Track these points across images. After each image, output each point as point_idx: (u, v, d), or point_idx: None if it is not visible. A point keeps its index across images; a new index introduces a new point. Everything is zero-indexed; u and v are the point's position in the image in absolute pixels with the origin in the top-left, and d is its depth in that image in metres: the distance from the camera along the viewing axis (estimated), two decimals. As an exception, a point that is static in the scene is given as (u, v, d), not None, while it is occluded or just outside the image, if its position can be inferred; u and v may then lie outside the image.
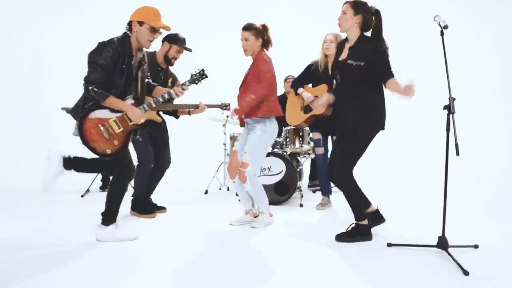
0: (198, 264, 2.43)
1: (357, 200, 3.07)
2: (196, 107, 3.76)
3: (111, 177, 3.02)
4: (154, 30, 2.85)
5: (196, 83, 3.12)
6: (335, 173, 3.05)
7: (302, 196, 4.53)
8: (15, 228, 3.26)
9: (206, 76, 3.13)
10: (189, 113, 3.94)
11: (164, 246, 2.83)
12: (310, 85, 4.33)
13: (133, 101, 2.84)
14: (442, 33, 2.77)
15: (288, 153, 4.63)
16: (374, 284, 2.12)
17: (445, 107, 2.67)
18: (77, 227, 3.31)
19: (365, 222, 3.05)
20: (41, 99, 7.03)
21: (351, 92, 3.02)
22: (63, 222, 3.51)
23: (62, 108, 4.56)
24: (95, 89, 2.67)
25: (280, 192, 4.42)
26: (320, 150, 4.29)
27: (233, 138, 5.14)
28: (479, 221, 3.84)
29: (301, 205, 4.38)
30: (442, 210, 2.70)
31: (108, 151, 2.76)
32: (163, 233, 3.17)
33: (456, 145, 2.49)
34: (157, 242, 2.91)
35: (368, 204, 3.25)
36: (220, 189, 5.48)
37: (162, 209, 3.98)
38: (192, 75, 3.12)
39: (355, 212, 3.06)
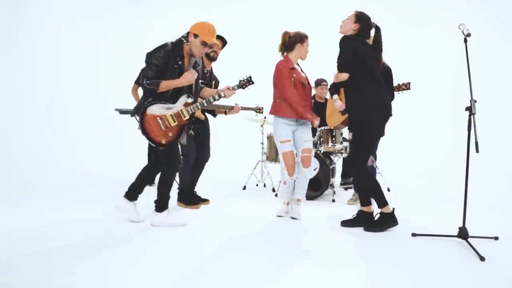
0: (241, 248, 2.79)
1: (374, 188, 3.33)
2: (232, 108, 4.15)
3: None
4: (205, 44, 3.22)
5: (244, 88, 3.49)
6: (353, 166, 3.37)
7: (334, 192, 4.81)
8: (79, 215, 3.72)
9: (253, 83, 3.48)
10: (225, 113, 4.33)
11: (209, 232, 3.19)
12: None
13: (188, 100, 3.24)
14: (465, 40, 3.01)
15: (322, 152, 4.91)
16: (399, 268, 2.40)
17: (467, 109, 2.91)
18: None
19: (387, 209, 3.30)
20: (95, 101, 7.62)
21: (347, 87, 3.38)
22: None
23: (116, 109, 5.04)
24: (148, 81, 3.07)
25: (314, 188, 4.71)
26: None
27: (270, 138, 5.47)
28: (500, 214, 4.02)
29: (333, 201, 4.66)
30: (463, 203, 2.93)
31: (163, 141, 3.17)
32: (208, 222, 3.54)
33: (476, 143, 2.73)
34: (203, 229, 3.28)
35: (369, 204, 3.47)
36: (257, 185, 5.82)
37: (205, 201, 4.36)
38: (240, 81, 3.48)
39: (376, 200, 3.31)
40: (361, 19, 3.33)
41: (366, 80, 3.27)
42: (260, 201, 4.69)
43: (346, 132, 4.83)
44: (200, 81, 3.50)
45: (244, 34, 7.58)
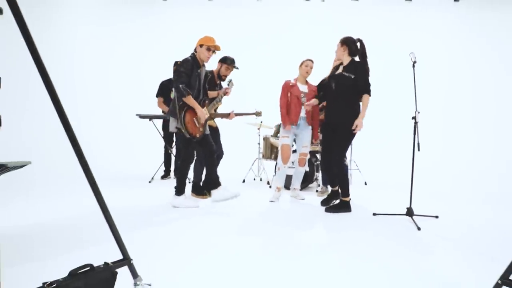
0: (242, 227, 3.73)
1: (345, 181, 4.28)
2: (228, 115, 5.06)
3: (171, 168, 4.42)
4: (209, 49, 4.21)
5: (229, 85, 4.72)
6: (334, 161, 4.26)
7: (318, 185, 5.75)
8: (114, 204, 4.64)
9: (233, 84, 4.79)
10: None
11: (218, 215, 4.13)
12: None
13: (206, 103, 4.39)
14: (413, 66, 3.97)
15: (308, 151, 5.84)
16: (364, 236, 3.35)
17: (413, 118, 3.87)
18: (154, 202, 4.67)
19: (347, 198, 4.26)
20: (116, 106, 8.54)
21: (343, 97, 4.23)
22: (143, 198, 4.88)
23: (136, 115, 5.95)
24: (184, 86, 4.05)
25: (302, 181, 5.65)
26: None
27: (265, 139, 6.40)
28: (440, 199, 5.02)
29: (317, 191, 5.60)
30: (410, 189, 3.89)
31: (198, 135, 4.21)
32: (216, 207, 4.47)
33: (418, 144, 3.70)
34: (211, 213, 4.21)
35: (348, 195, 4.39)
36: (254, 179, 6.75)
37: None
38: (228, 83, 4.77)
39: (342, 189, 4.27)
40: (346, 41, 4.28)
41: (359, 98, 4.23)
42: (257, 191, 5.61)
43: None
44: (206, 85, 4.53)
45: (244, 47, 8.51)
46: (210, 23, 8.89)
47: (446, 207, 4.55)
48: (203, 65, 4.35)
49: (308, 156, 5.06)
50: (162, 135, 6.40)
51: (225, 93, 4.67)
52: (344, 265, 2.47)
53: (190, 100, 4.14)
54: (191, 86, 4.17)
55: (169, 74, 6.43)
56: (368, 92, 4.15)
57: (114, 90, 8.69)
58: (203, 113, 4.23)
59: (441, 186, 6.28)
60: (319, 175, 5.85)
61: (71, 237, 2.99)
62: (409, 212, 3.87)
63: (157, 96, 6.28)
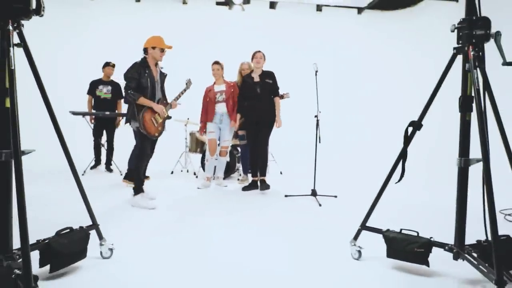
0: (177, 206, 4.36)
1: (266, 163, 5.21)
2: (171, 106, 4.97)
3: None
4: (163, 50, 4.29)
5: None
6: (262, 149, 5.12)
7: (240, 174, 6.50)
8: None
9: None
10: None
11: (159, 198, 4.70)
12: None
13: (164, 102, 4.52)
14: (316, 74, 4.87)
15: (230, 144, 6.56)
16: (277, 213, 4.15)
17: (315, 116, 4.78)
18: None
19: (256, 179, 5.25)
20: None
21: (268, 100, 5.16)
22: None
23: (70, 111, 6.23)
24: (132, 92, 4.07)
25: (225, 171, 6.36)
26: (243, 142, 6.21)
27: (191, 134, 7.00)
28: (340, 182, 6.07)
29: (238, 179, 6.34)
30: (313, 174, 4.79)
31: (156, 134, 4.35)
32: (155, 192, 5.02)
33: (319, 137, 4.60)
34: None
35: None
36: (181, 171, 7.31)
37: (147, 177, 5.81)
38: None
39: (261, 171, 5.20)
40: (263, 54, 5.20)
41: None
42: (185, 181, 6.21)
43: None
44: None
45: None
46: (135, 26, 9.20)
47: (343, 188, 5.53)
48: (157, 65, 4.37)
49: (230, 149, 5.75)
50: (92, 128, 6.81)
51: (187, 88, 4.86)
52: (254, 238, 3.21)
53: (143, 101, 4.17)
54: (142, 87, 4.19)
55: (98, 74, 6.86)
56: (277, 94, 5.20)
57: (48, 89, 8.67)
58: (161, 108, 4.31)
59: (339, 172, 7.36)
60: (239, 165, 6.59)
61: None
62: (313, 193, 4.77)
63: (89, 94, 6.84)
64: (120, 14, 9.58)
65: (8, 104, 1.81)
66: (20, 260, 1.71)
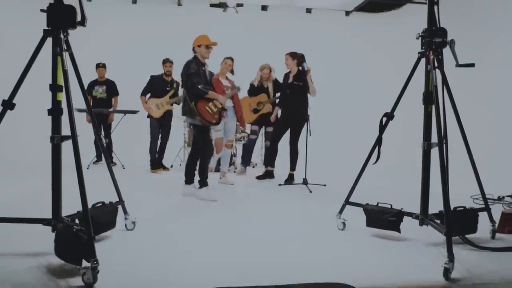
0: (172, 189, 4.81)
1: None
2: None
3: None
4: (208, 47, 4.48)
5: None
6: (295, 147, 5.57)
7: (235, 167, 6.96)
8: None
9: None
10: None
11: (160, 190, 5.13)
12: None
13: None
14: (306, 72, 5.33)
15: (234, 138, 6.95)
16: (275, 201, 4.64)
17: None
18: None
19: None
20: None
21: (296, 100, 5.48)
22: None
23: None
24: (202, 85, 4.25)
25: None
26: (254, 137, 6.65)
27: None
28: (329, 172, 6.57)
29: (234, 171, 6.78)
30: (305, 164, 5.27)
31: (214, 121, 4.46)
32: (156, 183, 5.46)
33: (310, 131, 5.09)
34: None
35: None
36: (180, 165, 7.72)
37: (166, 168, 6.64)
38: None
39: (293, 164, 5.66)
40: (294, 55, 5.52)
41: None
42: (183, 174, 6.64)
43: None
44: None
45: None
46: (132, 27, 9.57)
47: (331, 177, 6.01)
48: (205, 63, 4.54)
49: (234, 142, 6.14)
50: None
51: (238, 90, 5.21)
52: (251, 219, 3.63)
53: (212, 94, 4.38)
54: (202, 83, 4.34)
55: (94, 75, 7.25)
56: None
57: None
58: (223, 98, 4.53)
59: (329, 162, 7.80)
60: (236, 159, 7.04)
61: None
62: (305, 182, 5.24)
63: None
64: (117, 16, 9.93)
65: (60, 98, 2.25)
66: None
